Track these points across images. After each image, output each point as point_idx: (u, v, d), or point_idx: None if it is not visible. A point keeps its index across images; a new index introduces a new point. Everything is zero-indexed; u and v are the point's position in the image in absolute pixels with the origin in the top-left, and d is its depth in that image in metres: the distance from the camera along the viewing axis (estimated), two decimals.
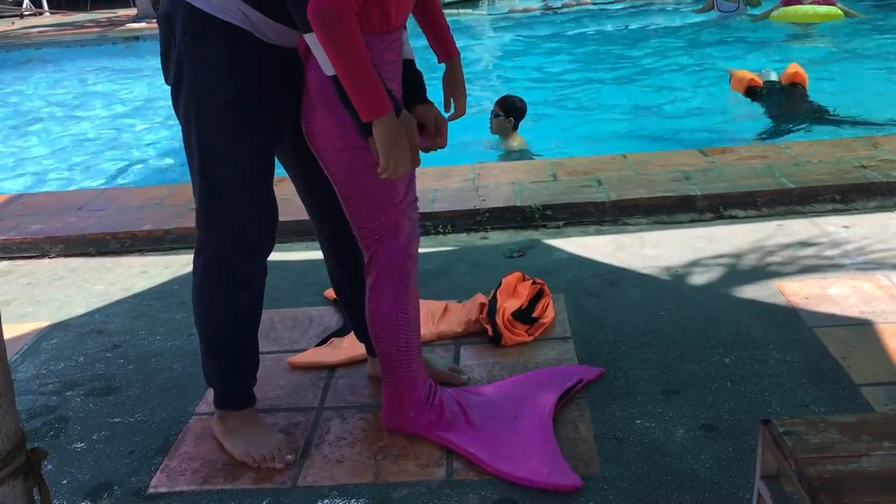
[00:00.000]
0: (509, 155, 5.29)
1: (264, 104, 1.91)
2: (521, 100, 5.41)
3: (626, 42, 10.20)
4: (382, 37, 1.84)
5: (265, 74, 1.89)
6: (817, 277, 2.87)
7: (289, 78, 1.92)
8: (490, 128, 5.40)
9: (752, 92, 6.38)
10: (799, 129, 5.76)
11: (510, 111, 5.31)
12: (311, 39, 1.76)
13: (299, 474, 2.04)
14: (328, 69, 1.77)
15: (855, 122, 5.68)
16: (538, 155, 5.23)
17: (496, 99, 5.54)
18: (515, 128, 5.37)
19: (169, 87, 1.94)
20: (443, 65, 2.13)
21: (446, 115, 2.08)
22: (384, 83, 1.80)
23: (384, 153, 1.79)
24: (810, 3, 9.20)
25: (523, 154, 5.28)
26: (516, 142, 5.39)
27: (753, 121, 6.08)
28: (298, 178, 2.16)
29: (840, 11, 9.16)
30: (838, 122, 5.75)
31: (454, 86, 2.11)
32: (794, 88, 6.23)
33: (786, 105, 6.11)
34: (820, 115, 5.90)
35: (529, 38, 11.05)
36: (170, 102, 1.98)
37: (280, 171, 2.07)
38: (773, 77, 6.40)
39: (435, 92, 2.10)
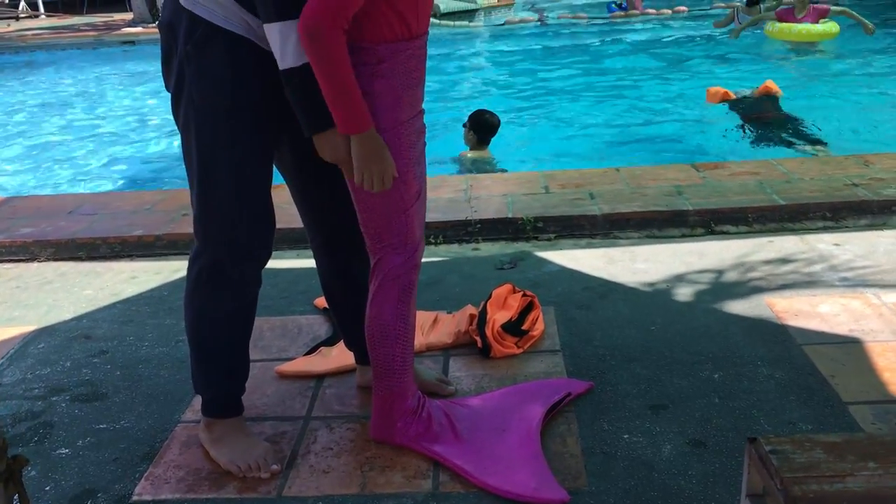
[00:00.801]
0: (463, 166, 5.34)
1: (264, 112, 1.92)
2: (491, 114, 5.44)
3: (621, 56, 10.24)
4: (405, 43, 1.85)
5: (266, 83, 1.89)
6: (807, 294, 2.88)
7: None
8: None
9: (726, 104, 6.72)
10: (771, 136, 6.07)
11: (473, 125, 5.40)
12: (269, 30, 1.76)
13: (285, 484, 2.02)
14: (284, 62, 1.77)
15: (817, 142, 5.89)
16: (501, 170, 5.24)
17: (494, 110, 5.59)
18: (483, 141, 5.41)
19: (168, 94, 1.94)
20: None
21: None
22: (412, 90, 1.86)
23: (358, 166, 1.83)
24: (805, 23, 9.23)
25: (480, 167, 5.29)
26: (472, 154, 5.42)
27: (738, 132, 6.17)
28: (295, 185, 2.16)
29: (835, 29, 9.18)
30: (807, 136, 6.01)
31: None
32: (765, 99, 6.58)
33: (758, 112, 6.43)
34: (790, 125, 6.21)
35: (525, 51, 11.09)
36: (164, 108, 1.99)
37: (276, 178, 2.07)
38: (747, 93, 6.78)
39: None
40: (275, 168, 2.08)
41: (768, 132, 6.20)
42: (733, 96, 6.74)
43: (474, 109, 5.58)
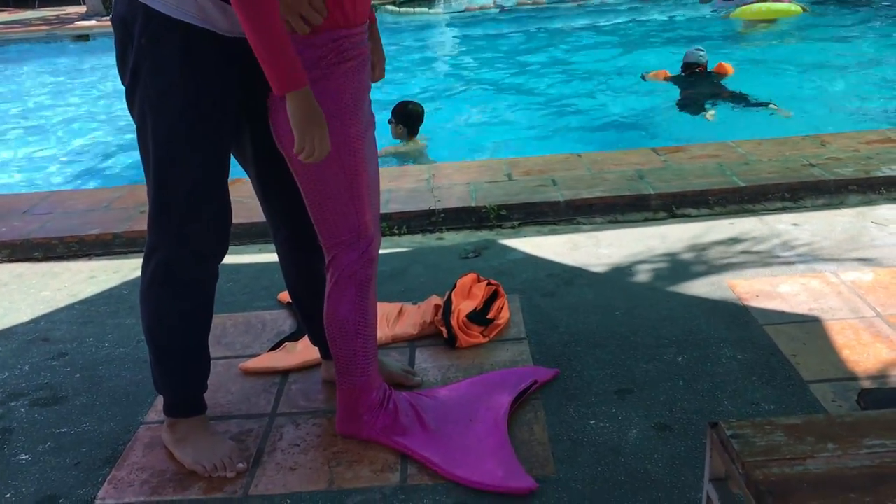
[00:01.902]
0: (401, 160, 5.32)
1: (222, 106, 1.88)
2: (414, 104, 5.41)
3: (581, 41, 10.27)
4: (345, 31, 1.82)
5: (224, 76, 1.86)
6: (768, 275, 2.91)
7: (250, 74, 1.89)
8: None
9: (674, 79, 6.94)
10: (704, 104, 6.36)
11: (399, 117, 5.37)
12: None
13: (251, 483, 2.00)
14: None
15: (758, 103, 6.26)
16: (433, 160, 5.22)
17: (451, 98, 5.55)
18: (413, 132, 5.38)
19: (124, 88, 1.90)
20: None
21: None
22: (355, 77, 1.83)
23: (298, 130, 1.76)
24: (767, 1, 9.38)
25: (416, 159, 5.27)
26: (405, 147, 5.40)
27: (698, 117, 6.26)
28: (257, 178, 2.13)
29: (799, 8, 9.35)
30: (746, 102, 6.34)
31: (373, 47, 2.04)
32: (717, 75, 6.82)
33: (695, 87, 6.67)
34: (729, 96, 6.46)
35: (485, 37, 11.07)
36: (120, 103, 1.94)
37: (233, 172, 2.04)
38: (703, 60, 6.89)
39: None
40: (234, 161, 2.04)
41: (723, 110, 6.36)
42: (668, 74, 6.97)
43: (396, 103, 5.51)
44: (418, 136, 5.43)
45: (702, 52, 6.89)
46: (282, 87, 1.73)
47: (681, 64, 6.96)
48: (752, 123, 5.98)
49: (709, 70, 6.88)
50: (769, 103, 6.23)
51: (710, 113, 6.24)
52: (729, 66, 6.97)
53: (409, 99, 5.63)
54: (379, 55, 2.11)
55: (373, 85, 2.02)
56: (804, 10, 9.57)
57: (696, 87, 6.68)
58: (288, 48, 1.71)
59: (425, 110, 5.49)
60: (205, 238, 1.96)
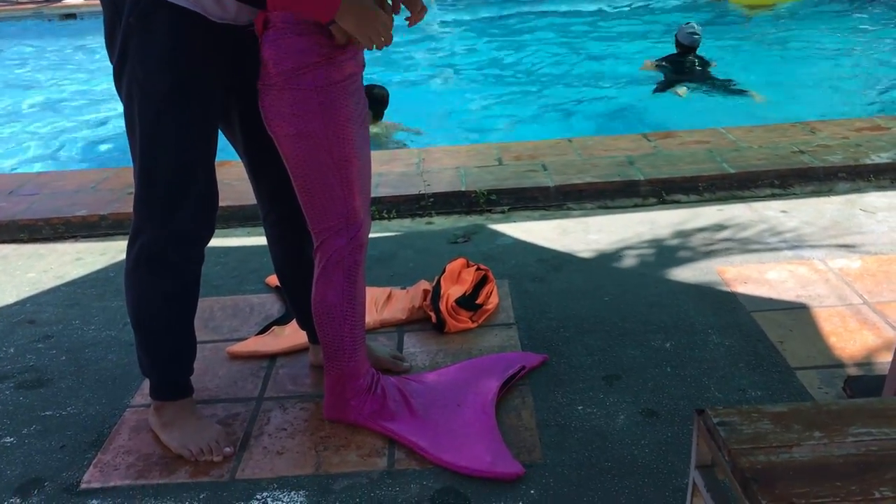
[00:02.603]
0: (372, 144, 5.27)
1: (210, 88, 1.87)
2: (379, 88, 5.36)
3: (575, 25, 10.23)
4: None
5: (213, 57, 1.84)
6: (756, 262, 2.92)
7: (240, 58, 1.87)
8: None
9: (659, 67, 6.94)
10: (712, 100, 6.38)
11: None
12: None
13: (238, 467, 2.00)
14: None
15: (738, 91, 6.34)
16: (403, 143, 5.18)
17: (441, 81, 5.52)
18: (378, 116, 5.34)
19: (111, 67, 1.88)
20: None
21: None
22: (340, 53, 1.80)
23: (363, 35, 1.76)
24: None
25: (382, 143, 5.24)
26: (376, 129, 5.36)
27: (692, 103, 6.26)
28: (248, 161, 2.12)
29: None
30: (725, 89, 6.40)
31: None
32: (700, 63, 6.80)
33: (683, 72, 6.71)
34: (704, 79, 6.54)
35: (475, 21, 11.01)
36: (107, 83, 1.92)
37: (220, 155, 2.02)
38: (697, 38, 6.81)
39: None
40: (224, 143, 2.03)
41: (708, 95, 6.42)
42: (661, 63, 6.95)
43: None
44: (387, 119, 5.38)
45: (696, 35, 6.74)
46: (328, 13, 1.72)
47: (674, 41, 6.92)
48: (739, 108, 6.01)
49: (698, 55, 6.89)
50: (746, 91, 6.28)
51: (682, 90, 6.31)
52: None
53: (406, 84, 5.58)
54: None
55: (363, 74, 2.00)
56: None
57: (684, 74, 6.70)
58: None
59: (418, 94, 5.45)
60: (191, 220, 1.94)
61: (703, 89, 6.43)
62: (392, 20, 1.85)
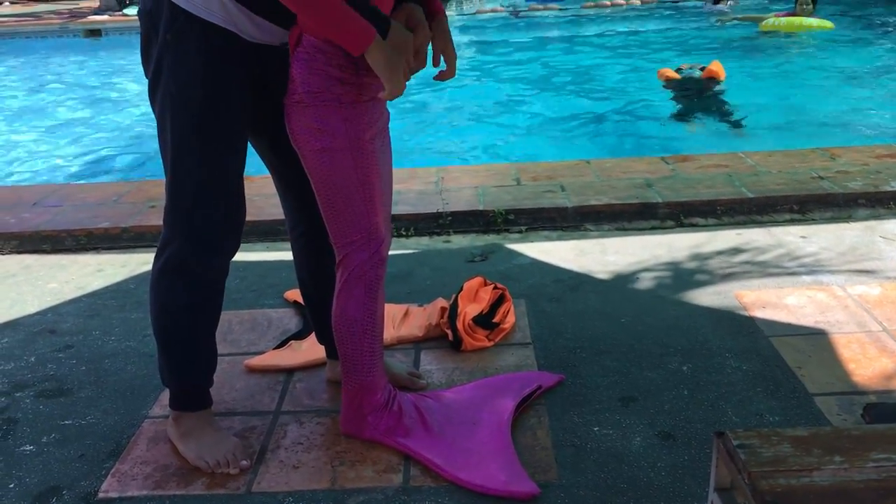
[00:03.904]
0: None
1: (240, 104, 1.91)
2: None
3: (593, 47, 10.27)
4: None
5: (245, 74, 1.88)
6: (774, 286, 2.91)
7: (271, 76, 1.91)
8: None
9: (672, 83, 7.17)
10: (694, 112, 6.66)
11: None
12: None
13: (254, 480, 2.01)
14: None
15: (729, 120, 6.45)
16: None
17: (461, 101, 5.56)
18: None
19: (140, 84, 1.92)
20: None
21: (435, 71, 2.01)
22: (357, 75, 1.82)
23: (386, 78, 1.78)
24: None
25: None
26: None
27: (713, 123, 6.30)
28: (277, 175, 2.16)
29: (830, 24, 9.48)
30: (730, 120, 6.46)
31: (444, 43, 1.99)
32: (708, 81, 7.04)
33: (692, 94, 6.93)
34: (710, 106, 6.69)
35: (496, 41, 11.08)
36: (131, 98, 1.97)
37: (248, 170, 2.05)
38: (696, 74, 7.18)
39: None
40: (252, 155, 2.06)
41: (690, 115, 6.65)
42: (678, 76, 7.17)
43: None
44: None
45: (693, 68, 7.24)
46: (359, 47, 1.74)
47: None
48: (755, 132, 6.03)
49: (699, 77, 7.14)
50: (739, 122, 6.35)
51: (691, 126, 6.45)
52: (720, 69, 7.12)
53: (425, 105, 5.63)
54: (450, 48, 2.01)
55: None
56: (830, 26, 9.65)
57: (686, 95, 6.93)
58: (346, 9, 1.71)
59: (438, 115, 5.48)
60: (219, 232, 1.97)
61: (713, 117, 6.53)
62: (418, 69, 1.88)
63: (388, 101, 1.92)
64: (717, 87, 7.00)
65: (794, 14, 9.77)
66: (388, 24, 1.79)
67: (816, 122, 6.28)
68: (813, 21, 9.54)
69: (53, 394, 2.44)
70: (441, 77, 2.01)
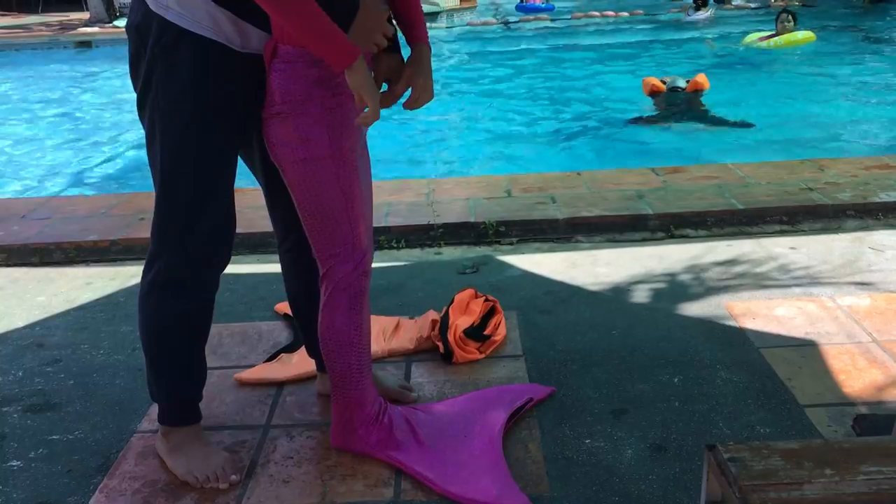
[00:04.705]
0: None
1: (231, 117, 1.90)
2: None
3: (584, 59, 10.32)
4: None
5: (234, 87, 1.87)
6: (764, 298, 2.92)
7: (260, 86, 1.91)
8: None
9: (656, 94, 7.28)
10: (680, 121, 6.79)
11: None
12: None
13: (244, 495, 1.99)
14: None
15: (726, 123, 6.63)
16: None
17: (452, 113, 5.57)
18: None
19: (130, 96, 1.92)
20: None
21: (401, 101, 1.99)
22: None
23: (369, 97, 1.77)
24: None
25: None
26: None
27: (701, 134, 6.35)
28: (266, 187, 2.15)
29: (812, 34, 9.63)
30: (716, 121, 6.70)
31: (413, 69, 1.93)
32: (693, 94, 7.19)
33: (678, 105, 7.06)
34: (702, 116, 6.81)
35: (487, 53, 11.12)
36: (121, 110, 1.96)
37: (238, 182, 2.04)
38: (681, 84, 7.28)
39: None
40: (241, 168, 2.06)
41: (676, 122, 6.76)
42: (662, 87, 7.27)
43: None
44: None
45: (679, 79, 7.35)
46: (341, 63, 1.74)
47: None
48: (745, 142, 6.08)
49: (684, 88, 7.27)
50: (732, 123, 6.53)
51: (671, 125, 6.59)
52: (705, 80, 7.24)
53: (416, 116, 5.65)
54: (424, 77, 1.94)
55: None
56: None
57: (672, 105, 7.05)
58: (333, 27, 1.71)
59: (428, 125, 5.50)
60: (208, 246, 1.96)
61: (694, 126, 6.66)
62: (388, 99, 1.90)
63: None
64: (702, 97, 7.13)
65: (777, 34, 9.88)
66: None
67: (805, 134, 6.32)
68: (798, 34, 9.67)
69: (41, 408, 2.42)
70: (408, 104, 1.97)
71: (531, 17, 13.91)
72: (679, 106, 7.01)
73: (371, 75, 1.80)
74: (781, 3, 13.28)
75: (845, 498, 1.10)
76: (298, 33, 1.73)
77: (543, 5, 14.60)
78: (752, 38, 10.14)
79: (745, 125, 6.46)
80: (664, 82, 7.32)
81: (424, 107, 2.01)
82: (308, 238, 1.99)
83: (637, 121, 6.91)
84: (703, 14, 12.67)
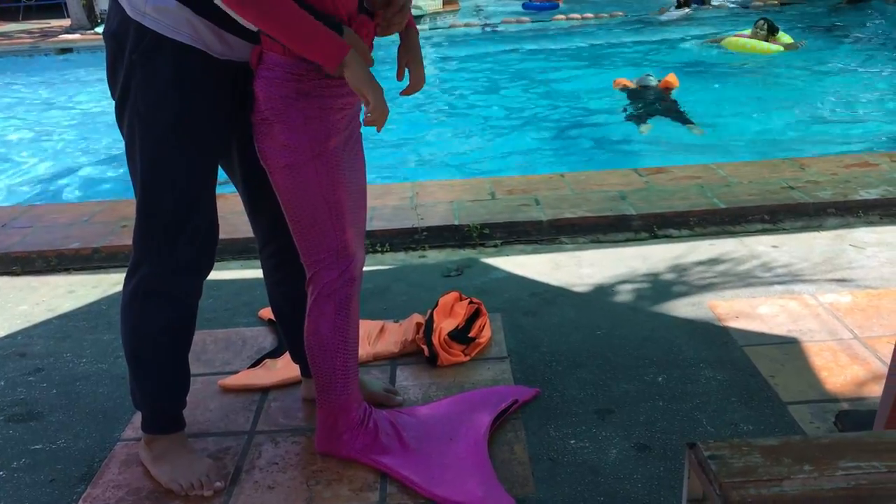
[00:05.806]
0: None
1: (211, 123, 1.89)
2: None
3: (566, 61, 10.35)
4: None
5: (214, 93, 1.86)
6: (747, 296, 2.93)
7: (240, 94, 1.90)
8: None
9: (628, 91, 7.50)
10: (652, 115, 6.89)
11: None
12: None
13: (229, 502, 1.99)
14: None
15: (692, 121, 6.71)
16: None
17: (435, 115, 5.58)
18: None
19: (111, 102, 1.90)
20: (389, 81, 2.05)
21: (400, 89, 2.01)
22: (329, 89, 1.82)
23: (369, 91, 1.75)
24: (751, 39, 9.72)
25: None
26: None
27: (679, 133, 6.43)
28: (245, 194, 2.13)
29: (780, 48, 9.62)
30: (686, 119, 6.76)
31: (410, 55, 1.98)
32: (663, 91, 7.38)
33: (648, 103, 7.23)
34: (670, 112, 6.96)
35: (470, 56, 11.13)
36: (102, 117, 1.95)
37: (220, 188, 2.03)
38: (652, 82, 7.50)
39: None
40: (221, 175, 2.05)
41: (647, 116, 6.89)
42: (632, 85, 7.48)
43: None
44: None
45: (651, 77, 7.57)
46: (332, 62, 1.72)
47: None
48: (729, 141, 6.11)
49: (656, 85, 7.47)
50: (690, 122, 6.64)
51: (646, 127, 6.66)
52: (674, 79, 7.42)
53: (400, 118, 5.65)
54: (417, 61, 2.00)
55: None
56: (796, 46, 9.79)
57: (643, 100, 7.22)
58: (316, 26, 1.70)
59: (412, 128, 5.51)
60: (191, 253, 1.95)
61: (666, 121, 6.78)
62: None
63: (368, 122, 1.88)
64: (672, 95, 7.31)
65: (753, 36, 9.93)
66: (341, 30, 1.77)
67: (786, 133, 6.37)
68: (764, 45, 9.71)
69: (23, 418, 2.40)
70: (406, 92, 2.01)
71: (514, 19, 13.93)
72: (652, 104, 7.15)
73: (370, 71, 1.77)
74: (760, 3, 13.35)
75: (824, 493, 1.10)
76: (281, 38, 1.72)
77: (549, 4, 14.58)
78: (730, 38, 10.18)
79: (688, 122, 6.63)
80: (636, 81, 7.52)
81: (404, 111, 2.01)
82: (295, 243, 1.98)
83: (620, 120, 6.96)
84: (676, 14, 12.81)
